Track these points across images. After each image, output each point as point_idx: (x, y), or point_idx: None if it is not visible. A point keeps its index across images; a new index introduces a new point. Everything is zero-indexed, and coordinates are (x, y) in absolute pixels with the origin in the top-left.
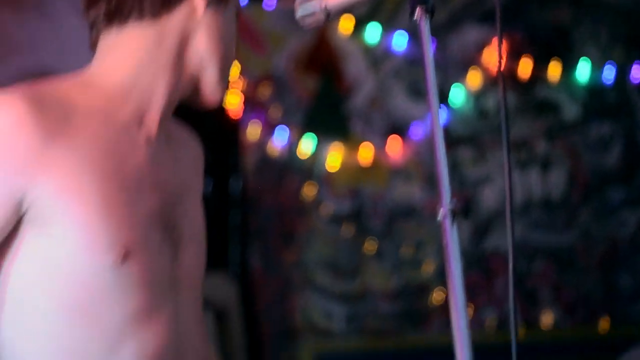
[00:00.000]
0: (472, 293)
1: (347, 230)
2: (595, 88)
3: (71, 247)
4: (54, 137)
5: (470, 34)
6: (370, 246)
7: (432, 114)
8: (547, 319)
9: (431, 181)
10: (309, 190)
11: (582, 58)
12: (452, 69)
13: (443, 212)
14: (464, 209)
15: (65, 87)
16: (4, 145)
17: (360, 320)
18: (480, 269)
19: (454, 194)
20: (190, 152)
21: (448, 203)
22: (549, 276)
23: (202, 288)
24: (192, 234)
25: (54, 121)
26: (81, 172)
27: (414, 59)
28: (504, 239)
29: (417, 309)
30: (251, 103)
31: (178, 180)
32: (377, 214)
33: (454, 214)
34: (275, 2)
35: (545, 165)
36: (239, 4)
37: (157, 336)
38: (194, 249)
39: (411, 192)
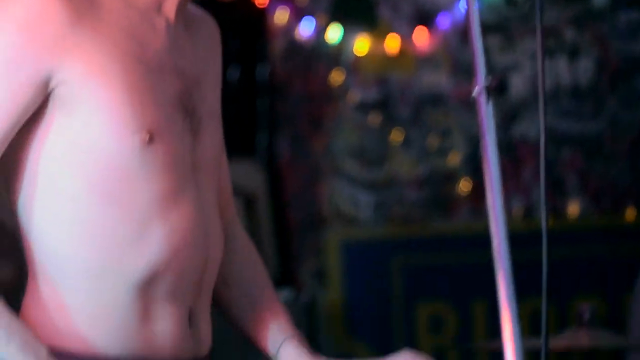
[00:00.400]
0: None
1: (374, 118)
2: None
3: (98, 129)
4: (81, 20)
5: None
6: (397, 134)
7: None
8: (573, 207)
9: (458, 70)
10: (336, 77)
11: None
12: None
13: (478, 89)
14: (499, 87)
15: None
16: (33, 24)
17: (387, 208)
18: (508, 156)
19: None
20: (209, 36)
21: (483, 80)
22: (576, 164)
23: (230, 174)
24: (212, 114)
25: (80, 4)
26: (107, 55)
27: None
28: (533, 126)
29: (444, 197)
30: None
31: (197, 65)
32: (404, 102)
33: (489, 91)
34: None
35: (574, 53)
36: None
37: (183, 218)
38: (212, 133)
39: (438, 80)
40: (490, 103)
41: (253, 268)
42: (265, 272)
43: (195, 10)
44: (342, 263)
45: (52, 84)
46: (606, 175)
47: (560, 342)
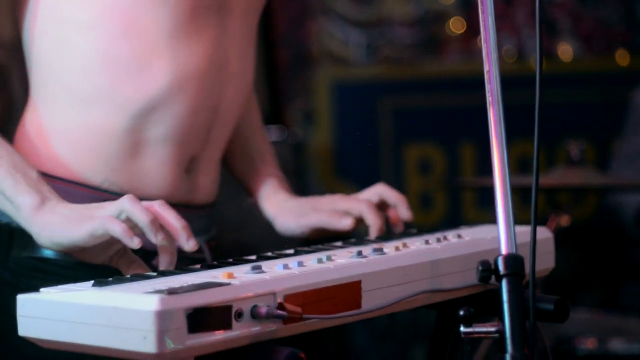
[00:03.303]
0: None
1: None
2: None
3: None
4: None
5: None
6: None
7: None
8: (565, 50)
9: None
10: None
11: None
12: None
13: None
14: None
15: None
16: None
17: (377, 48)
18: None
19: None
20: None
21: None
22: (568, 6)
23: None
24: None
25: None
26: None
27: None
28: None
29: (435, 38)
30: None
31: None
32: None
33: None
34: None
35: None
36: None
37: (195, 57)
38: None
39: None
40: None
41: (253, 116)
42: (260, 116)
43: None
44: (331, 103)
45: None
46: (598, 18)
47: (549, 179)
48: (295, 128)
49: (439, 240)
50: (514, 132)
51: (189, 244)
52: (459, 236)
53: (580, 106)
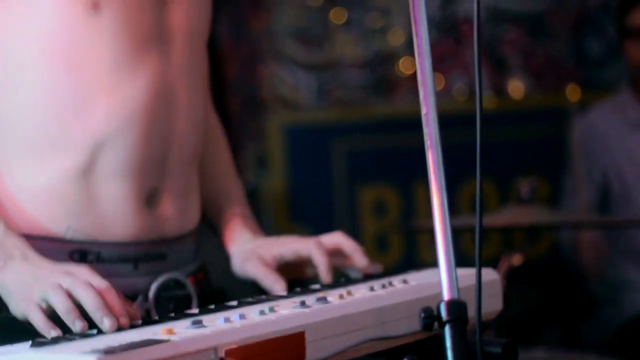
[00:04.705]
0: (441, 61)
1: None
2: None
3: (45, 4)
4: None
5: None
6: (338, 15)
7: None
8: (516, 86)
9: None
10: None
11: None
12: None
13: None
14: None
15: None
16: None
17: (329, 90)
18: (451, 36)
19: None
20: None
21: None
22: (518, 42)
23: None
24: None
25: None
26: None
27: None
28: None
29: (386, 79)
30: None
31: None
32: None
33: None
34: None
35: None
36: None
37: (137, 91)
38: (187, 4)
39: None
40: None
41: (220, 156)
42: (229, 157)
43: None
44: (284, 147)
45: None
46: (549, 53)
47: (501, 218)
48: (247, 174)
49: (384, 286)
50: (467, 171)
51: (104, 325)
52: (405, 281)
53: (532, 142)
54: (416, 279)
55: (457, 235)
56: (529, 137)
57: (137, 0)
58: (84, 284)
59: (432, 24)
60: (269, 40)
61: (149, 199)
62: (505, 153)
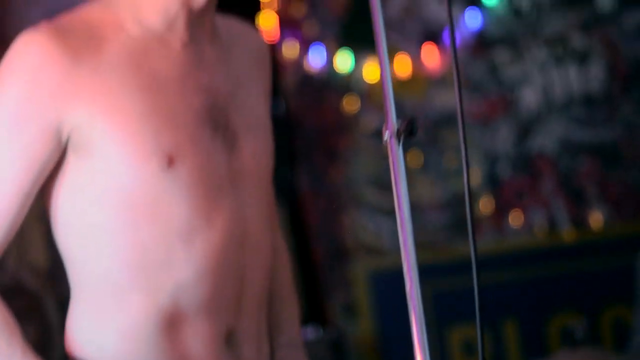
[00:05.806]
0: (520, 196)
1: None
2: None
3: (116, 162)
4: (80, 61)
5: None
6: (414, 158)
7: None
8: (595, 217)
9: (469, 86)
10: (349, 106)
11: None
12: None
13: (389, 132)
14: (409, 128)
15: (88, 10)
16: (35, 77)
17: None
18: (526, 171)
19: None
20: (248, 48)
21: (394, 123)
22: (594, 173)
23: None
24: (252, 124)
25: (77, 46)
26: (112, 87)
27: None
28: (549, 139)
29: (466, 219)
30: (285, 22)
31: (230, 78)
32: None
33: (400, 134)
34: None
35: (583, 59)
36: None
37: (218, 234)
38: (256, 137)
39: (451, 99)
40: (401, 147)
41: (280, 279)
42: (288, 279)
43: (232, 24)
44: (371, 294)
45: (65, 132)
46: (626, 182)
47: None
48: (332, 324)
49: None
50: (556, 304)
51: None
52: None
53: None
54: None
55: None
56: (612, 267)
57: (208, 151)
58: None
59: (508, 160)
60: (347, 189)
61: (228, 339)
62: (590, 284)
